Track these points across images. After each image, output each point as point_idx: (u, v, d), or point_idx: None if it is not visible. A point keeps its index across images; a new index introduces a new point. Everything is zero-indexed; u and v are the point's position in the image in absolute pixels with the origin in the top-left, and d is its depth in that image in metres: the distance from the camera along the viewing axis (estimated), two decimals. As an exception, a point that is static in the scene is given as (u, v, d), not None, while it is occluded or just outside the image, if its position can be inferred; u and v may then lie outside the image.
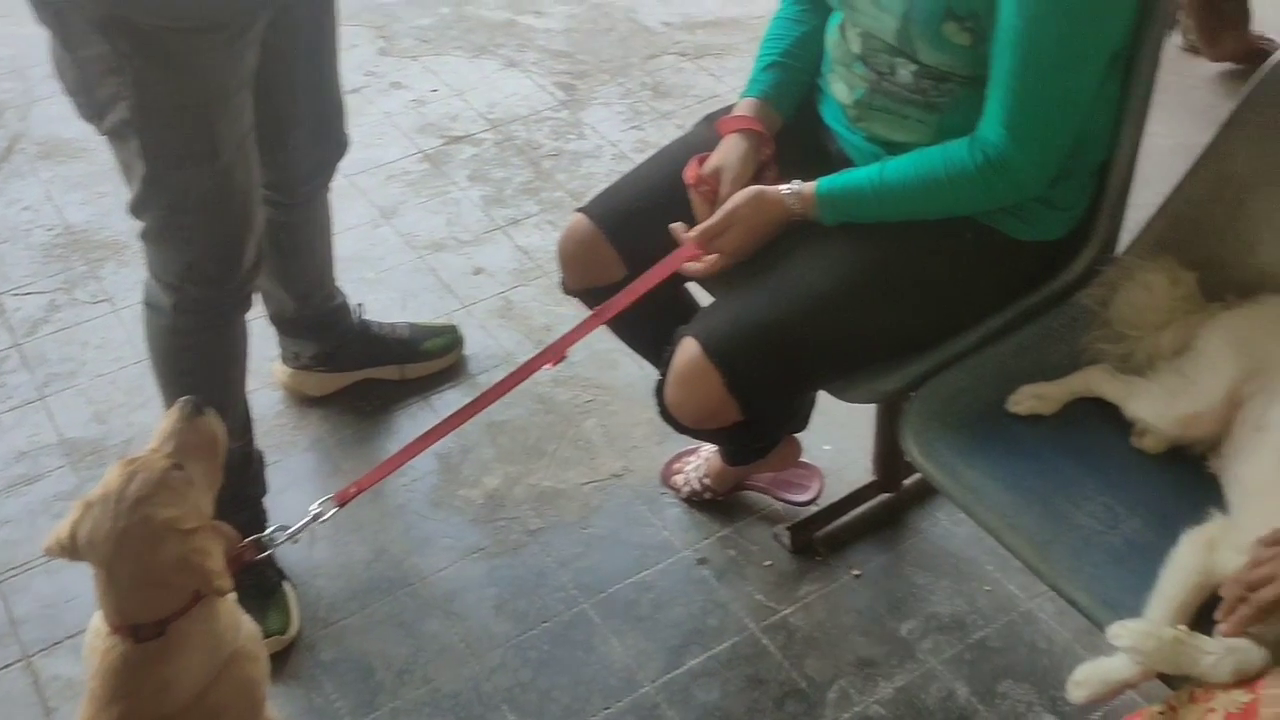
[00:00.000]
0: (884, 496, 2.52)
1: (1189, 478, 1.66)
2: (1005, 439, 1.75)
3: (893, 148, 1.84)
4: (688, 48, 4.07)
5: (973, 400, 1.80)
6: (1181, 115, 3.01)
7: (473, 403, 1.86)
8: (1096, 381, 1.80)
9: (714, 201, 1.87)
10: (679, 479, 2.53)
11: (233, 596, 1.58)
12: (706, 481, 2.48)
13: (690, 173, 1.90)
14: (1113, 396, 1.77)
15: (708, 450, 2.47)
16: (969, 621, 2.34)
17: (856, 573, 2.43)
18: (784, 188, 1.83)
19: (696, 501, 2.52)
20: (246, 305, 2.13)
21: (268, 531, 1.73)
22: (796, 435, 2.40)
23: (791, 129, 1.99)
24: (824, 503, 2.50)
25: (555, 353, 1.86)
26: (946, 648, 2.29)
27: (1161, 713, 1.35)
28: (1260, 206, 1.79)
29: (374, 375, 2.78)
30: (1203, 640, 1.36)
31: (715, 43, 4.07)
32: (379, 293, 3.04)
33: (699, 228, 1.85)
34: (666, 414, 1.88)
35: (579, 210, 2.06)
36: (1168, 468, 1.70)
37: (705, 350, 1.77)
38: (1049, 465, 1.71)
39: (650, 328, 2.01)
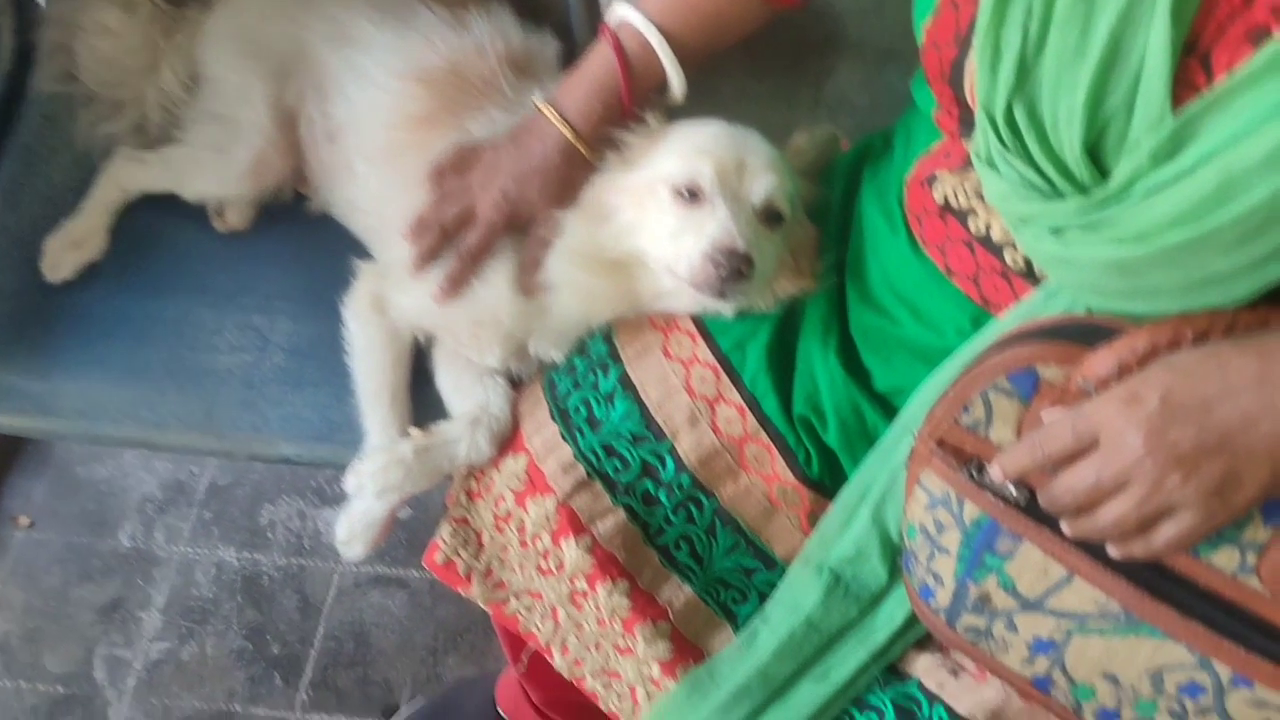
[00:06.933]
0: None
1: (304, 238, 1.31)
2: (78, 321, 1.26)
3: None
4: None
5: (-1, 299, 1.26)
6: None
7: None
8: (127, 178, 1.34)
9: None
10: None
11: None
12: None
13: None
14: (158, 185, 1.33)
15: None
16: (186, 480, 1.94)
17: (27, 521, 1.88)
18: None
19: None
20: None
21: None
22: None
23: None
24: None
25: None
26: (182, 523, 1.89)
27: (454, 532, 1.09)
28: None
29: None
30: (443, 430, 1.09)
31: None
32: None
33: None
34: None
35: None
36: (271, 238, 1.33)
37: None
38: (149, 320, 1.27)
39: None
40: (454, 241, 1.09)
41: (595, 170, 1.06)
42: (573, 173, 1.06)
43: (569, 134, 1.04)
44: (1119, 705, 0.83)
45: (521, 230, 1.08)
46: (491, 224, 1.07)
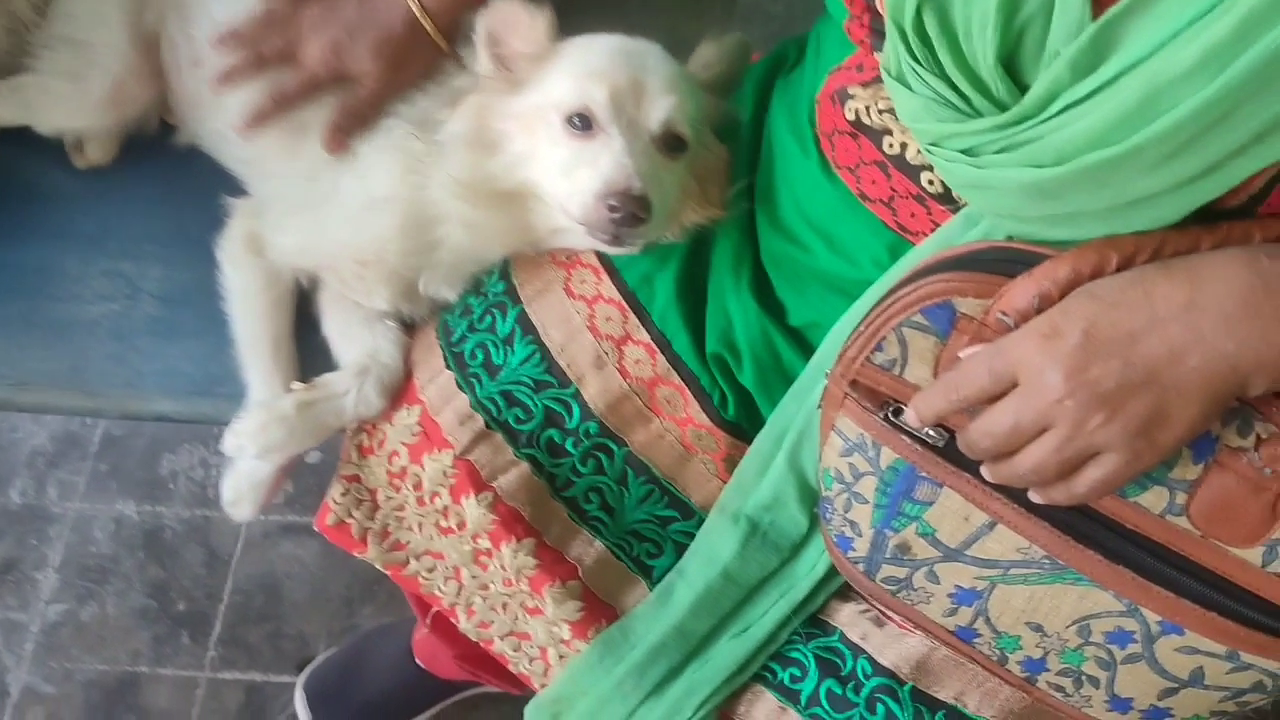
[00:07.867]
0: None
1: (173, 173, 1.20)
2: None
3: None
4: None
5: None
6: None
7: None
8: (-27, 110, 1.21)
9: None
10: None
11: None
12: None
13: None
14: (9, 118, 1.20)
15: None
16: (79, 432, 1.83)
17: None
18: None
19: None
20: None
21: None
22: None
23: None
24: None
25: None
26: (76, 477, 1.79)
27: (345, 493, 1.02)
28: None
29: None
30: (328, 382, 1.01)
31: None
32: None
33: None
34: None
35: None
36: (137, 175, 1.21)
37: None
38: (5, 268, 1.14)
39: None
40: (265, 71, 1.03)
41: (441, 52, 1.00)
42: (415, 46, 0.99)
43: (414, 6, 0.97)
44: (1045, 655, 0.79)
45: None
46: (314, 76, 1.01)
